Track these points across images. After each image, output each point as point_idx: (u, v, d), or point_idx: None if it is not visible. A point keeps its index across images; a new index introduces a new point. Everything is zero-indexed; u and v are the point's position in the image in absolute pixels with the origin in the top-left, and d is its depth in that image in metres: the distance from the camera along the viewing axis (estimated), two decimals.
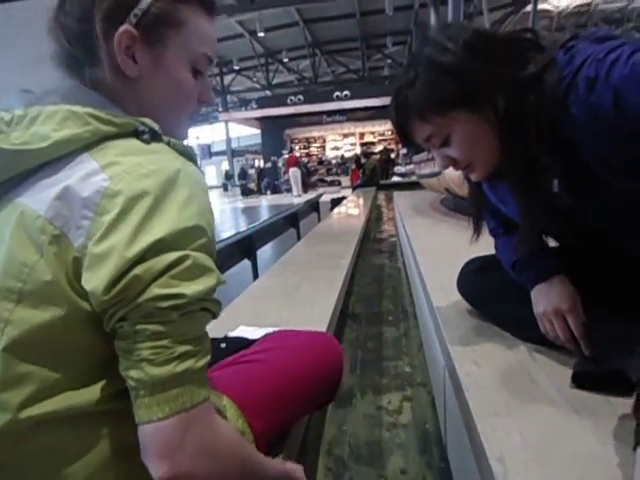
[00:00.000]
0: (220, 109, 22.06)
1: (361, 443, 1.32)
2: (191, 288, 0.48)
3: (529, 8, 12.10)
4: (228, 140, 23.63)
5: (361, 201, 6.70)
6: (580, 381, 0.80)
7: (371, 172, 11.87)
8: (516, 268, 0.98)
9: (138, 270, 0.46)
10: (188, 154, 0.57)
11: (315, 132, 20.99)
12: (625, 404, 0.70)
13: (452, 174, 3.10)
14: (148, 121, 0.55)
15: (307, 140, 21.47)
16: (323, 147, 21.43)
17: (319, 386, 0.86)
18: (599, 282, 0.89)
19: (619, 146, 0.66)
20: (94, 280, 0.47)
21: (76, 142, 0.51)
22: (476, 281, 1.15)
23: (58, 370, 0.49)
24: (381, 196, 7.87)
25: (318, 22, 16.63)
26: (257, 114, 19.31)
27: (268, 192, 16.79)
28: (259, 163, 20.80)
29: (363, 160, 14.04)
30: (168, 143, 0.55)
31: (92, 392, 0.50)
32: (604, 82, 0.63)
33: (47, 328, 0.48)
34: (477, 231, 0.99)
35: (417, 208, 3.89)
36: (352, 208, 5.90)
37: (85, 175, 0.49)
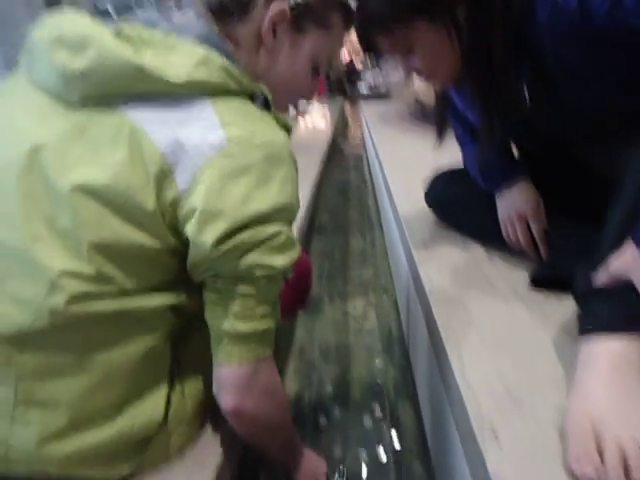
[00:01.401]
0: None
1: (330, 346, 1.40)
2: (281, 260, 0.54)
3: None
4: None
5: (327, 111, 6.50)
6: (536, 284, 0.86)
7: (338, 81, 11.43)
8: (482, 174, 1.00)
9: (245, 235, 0.51)
10: (289, 130, 0.61)
11: None
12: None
13: (420, 83, 3.01)
14: (265, 89, 0.59)
15: None
16: None
17: (289, 295, 0.88)
18: (559, 188, 0.91)
19: (583, 51, 0.65)
20: (204, 234, 0.50)
21: (203, 89, 0.53)
22: (443, 194, 1.16)
23: (129, 276, 0.52)
24: (348, 106, 7.65)
25: None
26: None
27: None
28: None
29: (330, 68, 13.41)
30: (276, 117, 0.59)
31: (148, 301, 0.54)
32: None
33: (132, 244, 0.51)
34: (440, 136, 0.99)
35: (385, 118, 3.81)
36: (318, 118, 5.74)
37: (206, 126, 0.51)
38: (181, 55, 0.53)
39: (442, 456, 0.83)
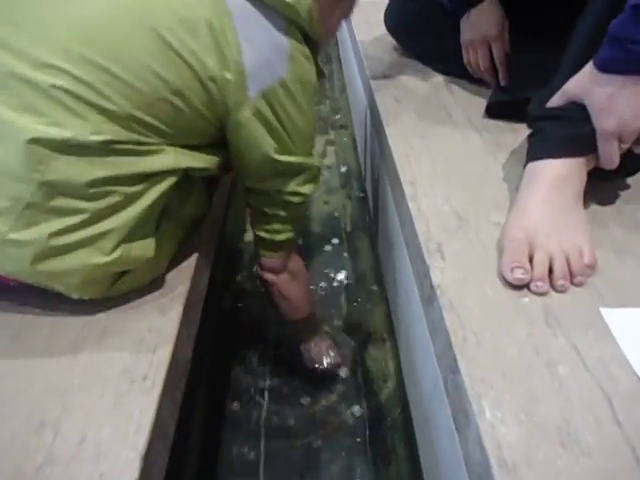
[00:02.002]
0: None
1: None
2: (311, 189, 0.69)
3: None
4: None
5: None
6: (492, 111, 0.86)
7: None
8: None
9: (292, 159, 0.63)
10: (319, 72, 0.64)
11: None
12: (528, 131, 0.76)
13: None
14: (318, 31, 0.60)
15: None
16: None
17: None
18: (526, 6, 0.86)
19: None
20: (266, 143, 0.60)
21: (288, 12, 0.56)
22: (401, 14, 1.08)
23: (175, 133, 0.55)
24: None
25: None
26: None
27: None
28: None
29: None
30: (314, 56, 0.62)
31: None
32: None
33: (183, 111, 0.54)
34: None
35: None
36: None
37: (278, 51, 0.56)
38: None
39: (394, 276, 0.91)
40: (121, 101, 0.50)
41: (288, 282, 0.81)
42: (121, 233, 0.54)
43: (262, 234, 0.74)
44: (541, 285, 0.50)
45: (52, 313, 0.58)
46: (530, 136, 0.65)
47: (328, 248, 1.21)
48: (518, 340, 0.47)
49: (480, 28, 0.88)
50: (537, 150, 0.61)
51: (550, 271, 0.50)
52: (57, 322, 0.57)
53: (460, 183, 0.69)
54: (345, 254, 1.19)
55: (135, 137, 0.52)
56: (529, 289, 0.51)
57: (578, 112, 0.57)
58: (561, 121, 0.59)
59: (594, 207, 0.64)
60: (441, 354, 0.52)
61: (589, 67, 0.55)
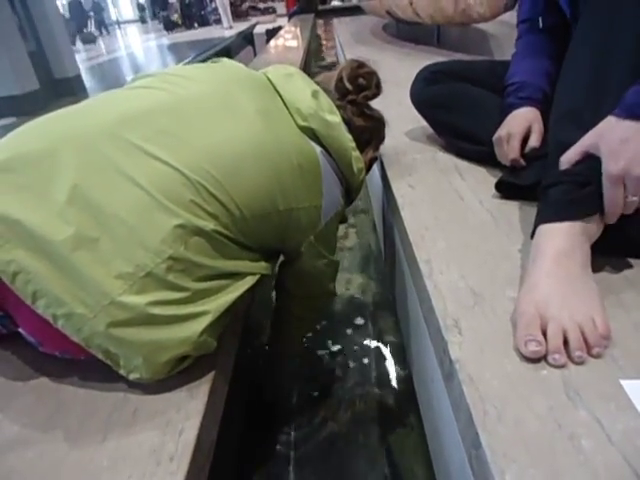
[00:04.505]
0: None
1: None
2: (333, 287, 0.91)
3: None
4: None
5: (299, 31, 6.19)
6: (502, 190, 0.90)
7: None
8: (507, 89, 0.98)
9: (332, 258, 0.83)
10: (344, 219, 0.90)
11: None
12: None
13: None
14: (360, 188, 0.87)
15: None
16: None
17: None
18: None
19: None
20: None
21: (346, 172, 0.80)
22: (427, 90, 1.15)
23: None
24: (320, 24, 7.28)
25: None
26: None
27: (195, 24, 15.02)
28: None
29: None
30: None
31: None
32: None
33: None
34: None
35: (358, 36, 3.66)
36: (289, 40, 5.47)
37: (336, 198, 0.78)
38: (358, 157, 0.80)
39: (417, 355, 0.91)
40: (238, 210, 0.63)
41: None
42: (212, 317, 0.59)
43: (284, 327, 0.94)
44: (558, 357, 0.50)
45: (85, 393, 0.61)
46: (538, 206, 0.68)
47: (352, 329, 1.22)
48: (539, 413, 0.47)
49: (508, 125, 0.92)
50: (539, 216, 0.64)
51: (565, 343, 0.51)
52: (89, 402, 0.60)
53: (474, 261, 0.72)
54: (369, 335, 1.20)
55: (243, 238, 0.65)
56: (546, 361, 0.51)
57: (581, 176, 0.60)
58: (562, 186, 0.62)
59: (604, 275, 0.65)
60: (464, 429, 0.52)
61: (608, 118, 0.59)
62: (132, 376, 0.58)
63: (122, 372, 0.58)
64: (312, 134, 0.73)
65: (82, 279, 0.53)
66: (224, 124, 0.66)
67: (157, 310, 0.55)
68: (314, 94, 0.76)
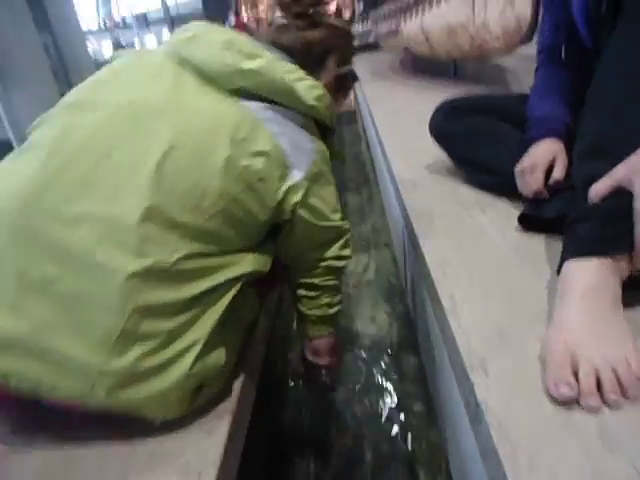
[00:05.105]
0: None
1: None
2: (349, 252, 0.83)
3: None
4: (165, 7, 21.08)
5: None
6: (525, 223, 0.88)
7: None
8: (529, 122, 0.97)
9: (331, 223, 0.77)
10: (336, 153, 0.85)
11: None
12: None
13: (410, 31, 2.94)
14: (332, 119, 0.81)
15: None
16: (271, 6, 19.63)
17: None
18: None
19: None
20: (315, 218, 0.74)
21: (315, 114, 0.73)
22: (446, 124, 1.15)
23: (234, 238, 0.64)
24: None
25: None
26: None
27: None
28: None
29: None
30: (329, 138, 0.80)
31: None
32: None
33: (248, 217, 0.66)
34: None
35: (376, 72, 3.73)
36: None
37: (302, 139, 0.71)
38: (310, 85, 0.71)
39: (441, 394, 0.88)
40: (188, 216, 0.58)
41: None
42: (199, 346, 0.57)
43: (314, 312, 0.84)
44: (591, 401, 0.48)
45: (101, 436, 0.60)
46: (563, 240, 0.66)
47: (374, 367, 1.19)
48: (574, 462, 0.44)
49: (531, 156, 0.90)
50: (566, 251, 0.62)
51: (598, 385, 0.49)
52: (105, 446, 0.59)
53: (499, 297, 0.70)
54: (391, 373, 1.17)
55: (206, 249, 0.60)
56: (579, 405, 0.49)
57: (611, 212, 0.58)
58: (591, 221, 0.60)
59: (635, 312, 0.62)
60: (493, 476, 0.49)
61: None
62: (156, 420, 0.58)
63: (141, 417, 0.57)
64: (244, 92, 0.67)
65: (64, 360, 0.53)
66: (135, 148, 0.59)
67: (147, 363, 0.54)
68: (226, 45, 0.67)
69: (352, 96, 4.21)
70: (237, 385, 0.69)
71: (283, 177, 0.68)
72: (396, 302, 1.44)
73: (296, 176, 0.69)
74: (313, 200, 0.72)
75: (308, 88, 0.71)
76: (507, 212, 0.98)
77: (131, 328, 0.53)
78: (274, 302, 1.03)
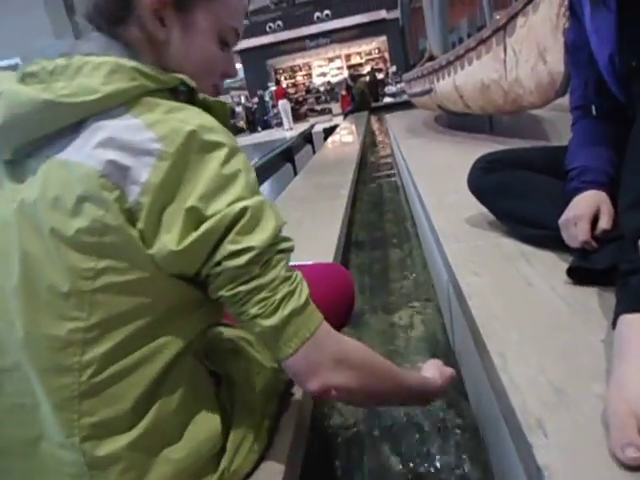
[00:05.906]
0: None
1: (378, 353, 1.43)
2: (256, 238, 0.50)
3: None
4: None
5: (354, 127, 6.58)
6: (574, 275, 0.86)
7: (360, 96, 11.53)
8: (570, 174, 0.97)
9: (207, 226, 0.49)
10: (227, 109, 0.61)
11: (299, 59, 20.18)
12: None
13: (444, 89, 3.03)
14: (187, 79, 0.55)
15: (292, 69, 20.71)
16: (309, 74, 20.71)
17: (332, 314, 0.92)
18: None
19: None
20: (168, 238, 0.49)
21: (122, 97, 0.50)
22: (486, 178, 1.17)
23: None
24: (374, 120, 7.72)
25: None
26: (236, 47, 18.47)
27: (259, 128, 16.38)
28: (245, 99, 20.14)
29: (351, 84, 13.58)
30: (203, 100, 0.56)
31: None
32: None
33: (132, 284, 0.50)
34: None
35: (411, 129, 3.84)
36: (346, 136, 5.81)
37: (133, 130, 0.49)
38: (90, 71, 0.50)
39: (497, 454, 0.84)
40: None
41: (344, 377, 0.55)
42: (144, 428, 0.52)
43: (258, 323, 0.52)
44: None
45: None
46: (617, 293, 0.64)
47: (419, 434, 1.15)
48: None
49: (575, 207, 0.90)
50: (620, 305, 0.60)
51: None
52: None
53: (552, 353, 0.68)
54: (442, 435, 1.12)
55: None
56: None
57: None
58: None
59: None
60: None
61: None
62: None
63: None
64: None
65: (42, 466, 0.52)
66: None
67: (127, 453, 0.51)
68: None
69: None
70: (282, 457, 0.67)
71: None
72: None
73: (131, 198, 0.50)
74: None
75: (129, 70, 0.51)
76: (554, 264, 0.96)
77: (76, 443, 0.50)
78: None
